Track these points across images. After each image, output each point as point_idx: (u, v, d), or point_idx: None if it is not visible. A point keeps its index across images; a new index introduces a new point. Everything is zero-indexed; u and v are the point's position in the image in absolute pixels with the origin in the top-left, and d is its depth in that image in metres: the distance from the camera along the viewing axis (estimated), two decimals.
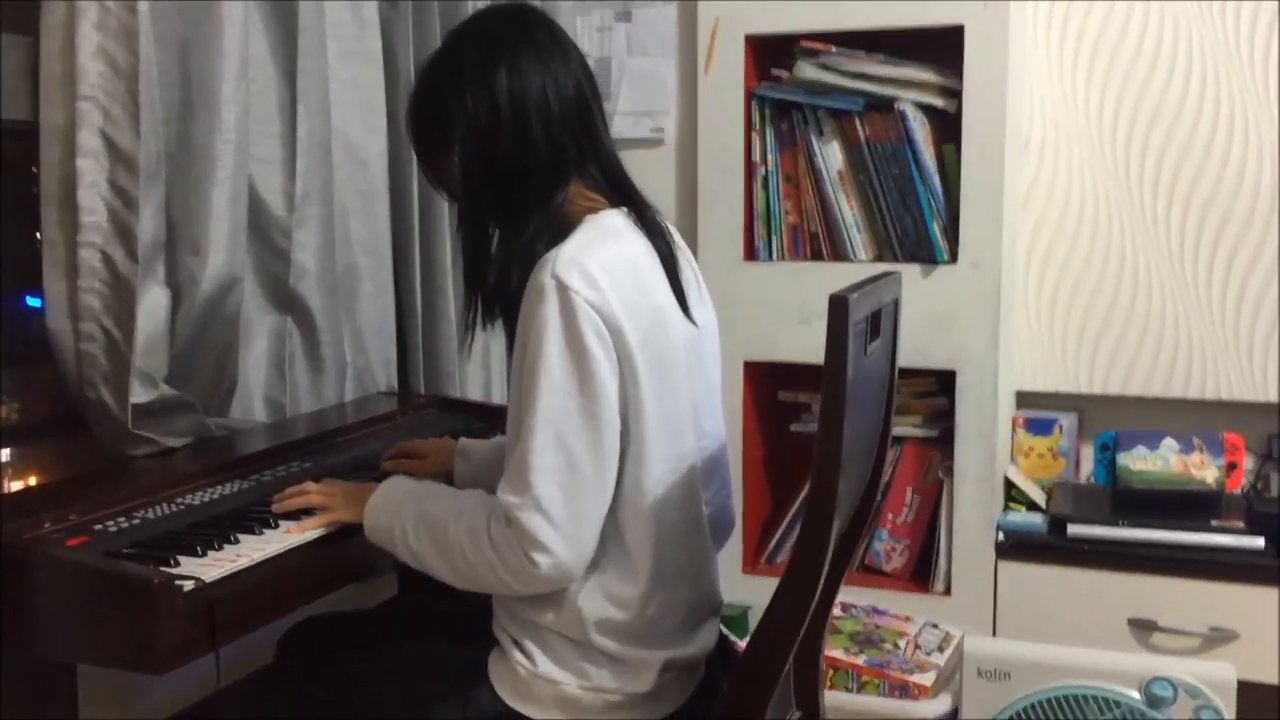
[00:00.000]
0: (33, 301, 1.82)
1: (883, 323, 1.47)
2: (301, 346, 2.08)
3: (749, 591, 2.40)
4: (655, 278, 1.47)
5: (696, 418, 1.51)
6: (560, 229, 1.42)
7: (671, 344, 1.45)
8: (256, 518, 1.53)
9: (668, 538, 1.45)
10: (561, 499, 1.35)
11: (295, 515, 1.54)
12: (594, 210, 1.47)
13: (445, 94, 1.46)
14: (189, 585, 1.31)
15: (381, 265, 2.24)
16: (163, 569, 1.33)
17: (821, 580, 1.34)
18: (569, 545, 1.36)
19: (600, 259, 1.39)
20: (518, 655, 1.46)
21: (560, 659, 1.44)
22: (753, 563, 2.64)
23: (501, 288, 1.44)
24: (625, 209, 1.50)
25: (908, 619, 2.34)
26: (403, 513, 1.47)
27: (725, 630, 1.65)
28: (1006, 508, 2.51)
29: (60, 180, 1.65)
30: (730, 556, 2.55)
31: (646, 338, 1.40)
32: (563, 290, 1.35)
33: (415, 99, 1.52)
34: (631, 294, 1.40)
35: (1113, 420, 2.61)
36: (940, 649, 2.21)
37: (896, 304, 1.56)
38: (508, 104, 1.43)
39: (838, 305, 1.26)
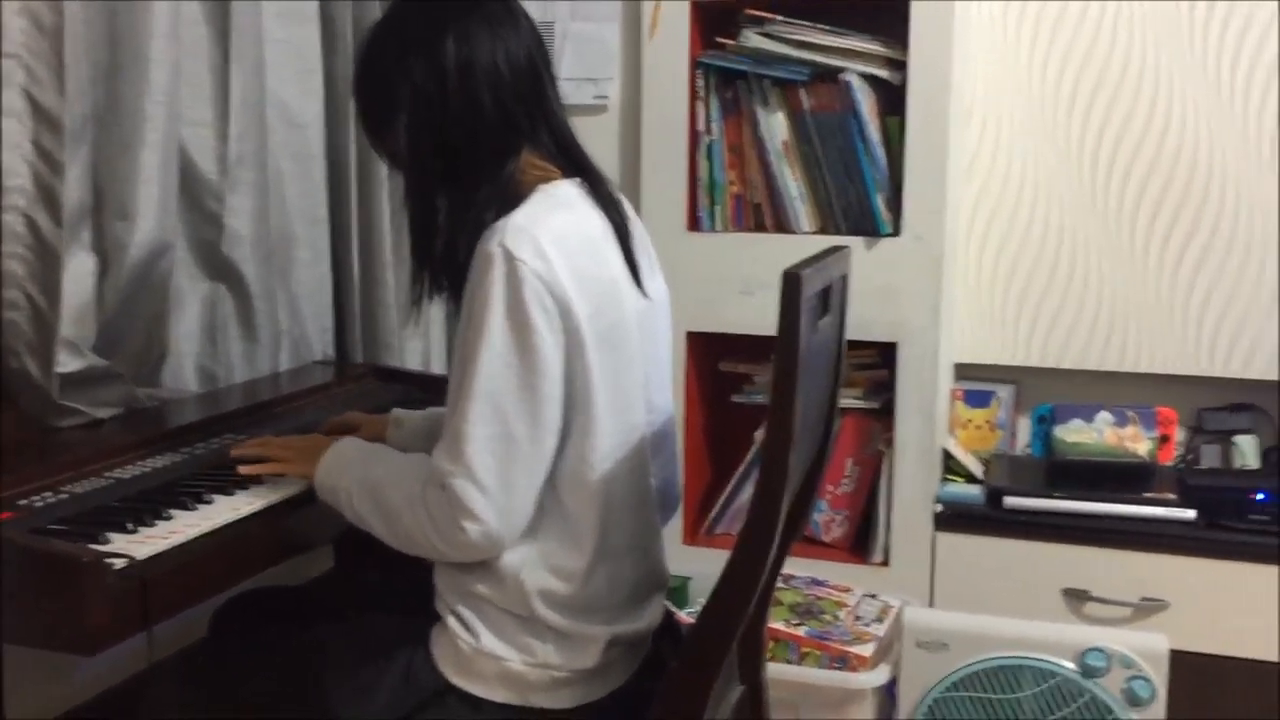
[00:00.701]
0: None
1: (832, 298, 1.46)
2: (235, 314, 2.02)
3: (690, 562, 2.40)
4: (608, 249, 1.45)
5: (647, 392, 1.49)
6: (511, 199, 1.40)
7: (624, 317, 1.44)
8: (189, 492, 1.48)
9: (614, 510, 1.44)
10: (495, 468, 1.34)
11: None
12: (546, 180, 1.45)
13: (390, 61, 1.43)
14: (120, 563, 1.26)
15: (318, 232, 2.19)
16: (92, 546, 1.29)
17: (771, 556, 1.33)
18: (499, 514, 1.35)
19: (550, 229, 1.36)
20: (460, 630, 1.44)
21: (504, 634, 1.43)
22: (693, 534, 2.64)
23: (449, 258, 1.41)
24: (579, 179, 1.47)
25: (847, 590, 2.35)
26: (350, 473, 1.47)
27: (668, 604, 1.64)
28: (944, 480, 2.52)
29: None
30: (671, 528, 2.51)
31: (597, 310, 1.38)
32: (509, 260, 1.32)
33: (360, 66, 1.48)
34: (583, 264, 1.38)
35: (1049, 393, 2.64)
36: (879, 619, 2.22)
37: (845, 280, 1.56)
38: (455, 72, 1.40)
39: (791, 282, 1.25)
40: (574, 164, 1.48)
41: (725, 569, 1.31)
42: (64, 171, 1.61)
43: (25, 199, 1.60)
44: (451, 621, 1.45)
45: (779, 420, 1.24)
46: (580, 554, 1.43)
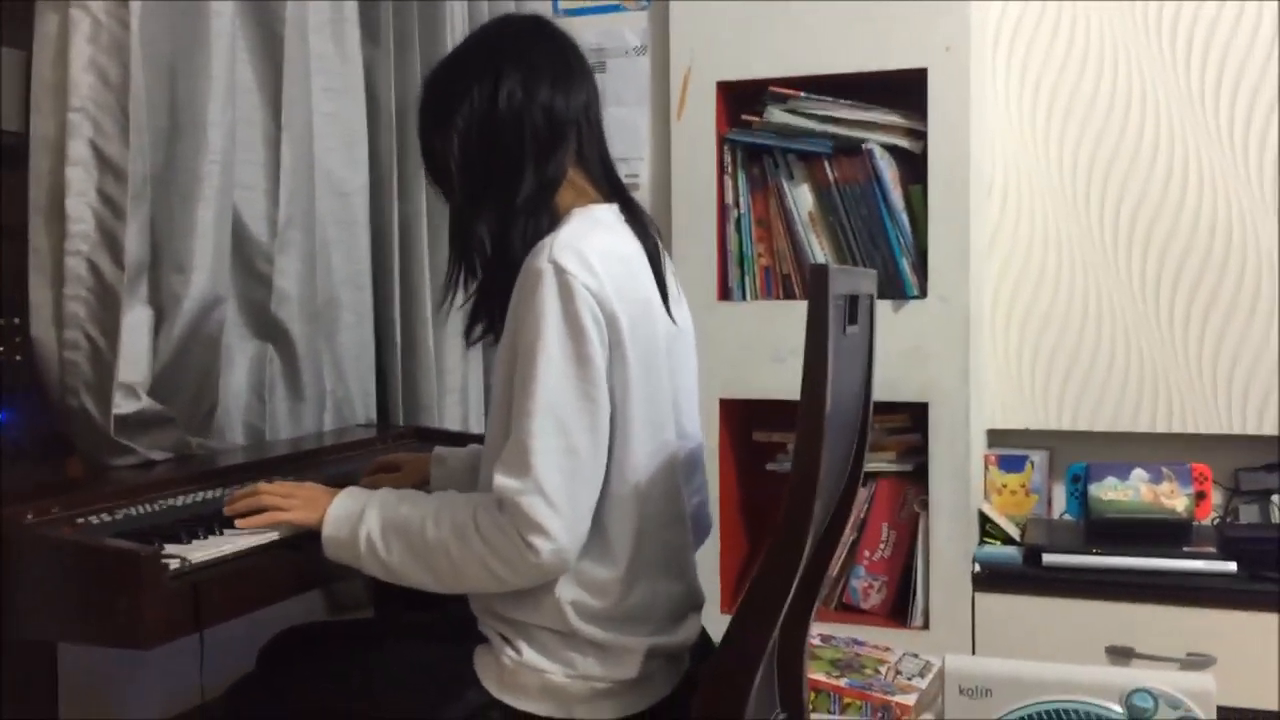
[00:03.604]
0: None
1: (860, 311, 1.50)
2: (282, 373, 2.08)
3: None
4: (641, 271, 1.50)
5: (676, 414, 1.53)
6: (552, 215, 1.46)
7: (655, 336, 1.48)
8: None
9: (649, 526, 1.46)
10: (561, 482, 1.35)
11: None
12: (582, 203, 1.51)
13: (453, 79, 1.52)
14: (175, 563, 1.31)
15: (362, 297, 2.26)
16: (149, 548, 1.33)
17: (804, 555, 1.35)
18: (568, 530, 1.35)
19: (594, 246, 1.42)
20: (502, 646, 1.45)
21: (544, 648, 1.44)
22: (730, 603, 2.63)
23: (503, 249, 1.46)
24: (615, 205, 1.54)
25: (888, 649, 2.33)
26: (367, 521, 1.41)
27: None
28: (982, 542, 2.52)
29: (49, 189, 1.68)
30: (709, 596, 2.54)
31: (634, 326, 1.43)
32: (560, 274, 1.37)
33: (427, 84, 1.57)
34: (622, 282, 1.43)
35: (1083, 457, 2.65)
36: (921, 675, 2.21)
37: (872, 299, 1.60)
38: (510, 91, 1.48)
39: (818, 274, 1.30)
40: (614, 189, 1.55)
41: (758, 570, 1.33)
42: (126, 219, 1.69)
43: (88, 244, 1.69)
44: (494, 639, 1.47)
45: (810, 408, 1.27)
46: (613, 567, 1.44)
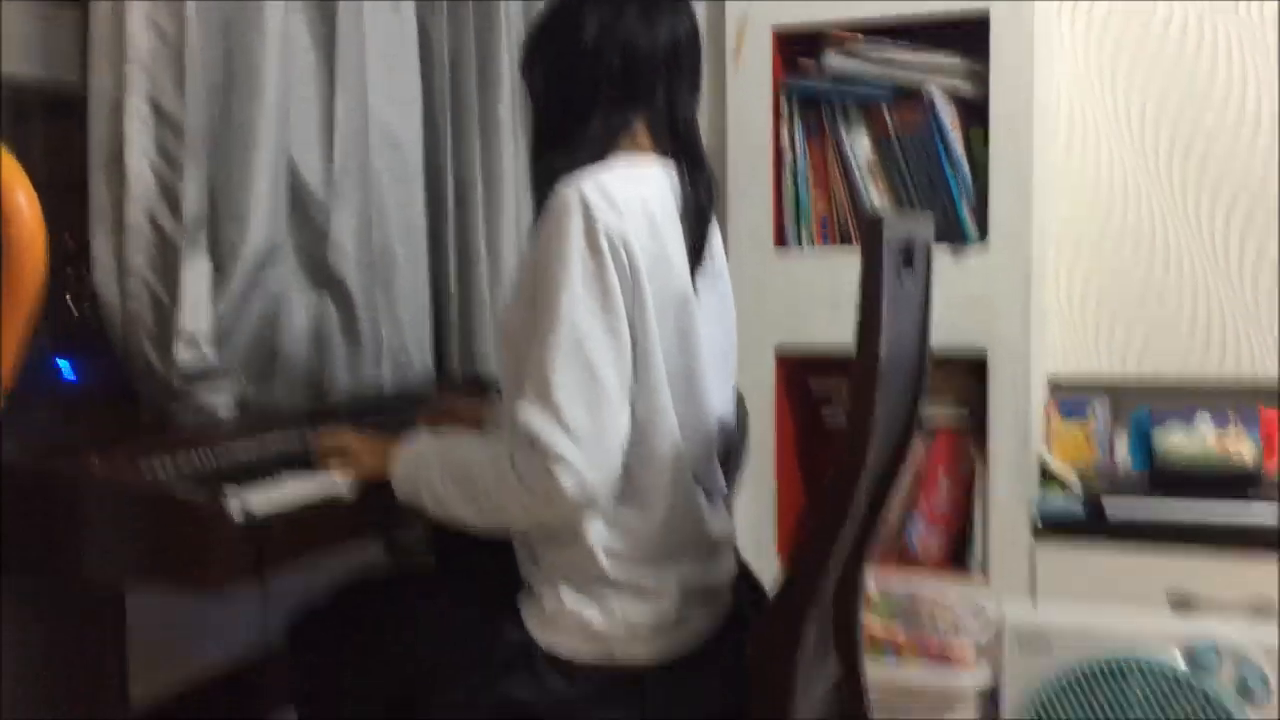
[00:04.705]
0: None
1: (916, 256, 1.48)
2: (339, 323, 2.10)
3: None
4: (668, 232, 1.48)
5: (689, 378, 1.50)
6: (600, 155, 1.46)
7: (668, 293, 1.46)
8: (301, 463, 1.55)
9: (677, 470, 1.47)
10: (584, 412, 1.35)
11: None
12: (634, 152, 1.50)
13: (554, 14, 1.55)
14: (238, 509, 1.33)
15: (417, 248, 2.27)
16: (213, 494, 1.35)
17: (857, 504, 1.34)
18: (591, 461, 1.35)
19: (622, 191, 1.42)
20: (544, 592, 1.47)
21: (582, 593, 1.46)
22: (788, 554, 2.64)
23: (541, 185, 1.47)
24: (672, 163, 1.52)
25: (946, 600, 2.32)
26: (427, 461, 1.48)
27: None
28: (1042, 490, 2.50)
29: (108, 144, 1.70)
30: (764, 547, 2.55)
31: (651, 272, 1.43)
32: (585, 207, 1.38)
33: (536, 19, 1.60)
34: (642, 232, 1.43)
35: (1146, 402, 2.61)
36: (980, 625, 2.20)
37: (929, 245, 1.58)
38: (594, 36, 1.49)
39: (871, 227, 1.29)
40: (679, 147, 1.53)
41: (813, 500, 1.33)
42: (184, 172, 1.71)
43: (148, 196, 1.71)
44: (535, 584, 1.49)
45: (865, 354, 1.26)
46: (643, 509, 1.45)
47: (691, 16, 1.56)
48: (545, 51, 1.54)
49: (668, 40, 1.51)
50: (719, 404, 1.57)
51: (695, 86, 1.57)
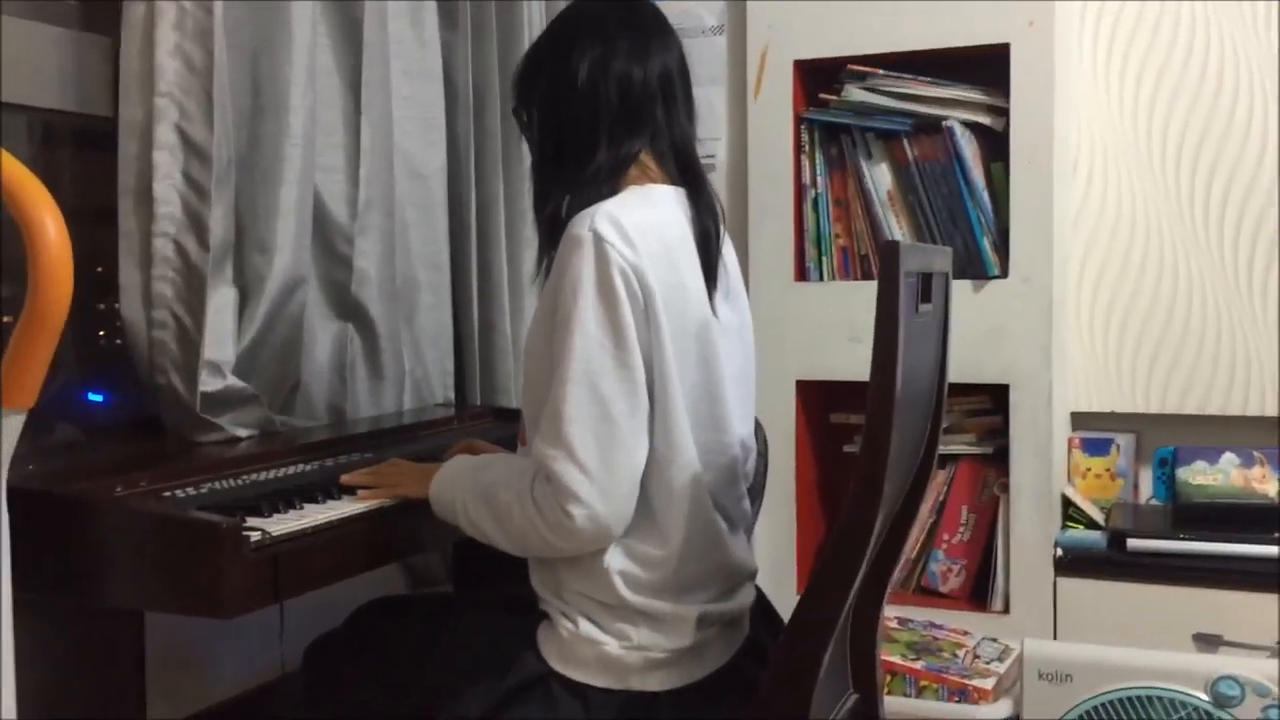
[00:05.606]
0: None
1: (934, 290, 1.48)
2: (362, 353, 2.12)
3: None
4: (683, 256, 1.49)
5: (711, 404, 1.50)
6: (610, 189, 1.47)
7: (686, 320, 1.47)
8: (321, 492, 1.56)
9: (697, 502, 1.47)
10: (596, 449, 1.37)
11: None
12: (643, 183, 1.52)
13: (537, 54, 1.56)
14: (255, 535, 1.34)
15: (440, 278, 2.29)
16: (231, 520, 1.37)
17: (874, 536, 1.34)
18: (604, 497, 1.37)
19: (635, 220, 1.43)
20: (562, 621, 1.47)
21: (599, 622, 1.46)
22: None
23: (552, 225, 1.49)
24: (681, 190, 1.53)
25: (966, 633, 2.31)
26: (461, 484, 1.51)
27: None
28: (1065, 527, 2.48)
29: (137, 173, 1.73)
30: (784, 580, 2.55)
31: (667, 305, 1.43)
32: (599, 242, 1.39)
33: (524, 58, 1.62)
34: (659, 260, 1.43)
35: (1170, 439, 2.59)
36: (1000, 659, 2.18)
37: (947, 277, 1.58)
38: (590, 70, 1.50)
39: (888, 251, 1.29)
40: (684, 171, 1.55)
41: (830, 541, 1.33)
42: (211, 201, 1.73)
43: (175, 226, 1.73)
44: (553, 612, 1.49)
45: (881, 385, 1.27)
46: (662, 541, 1.45)
47: (678, 44, 1.58)
48: (539, 94, 1.55)
49: (660, 70, 1.53)
50: (741, 425, 1.58)
51: (690, 112, 1.58)
